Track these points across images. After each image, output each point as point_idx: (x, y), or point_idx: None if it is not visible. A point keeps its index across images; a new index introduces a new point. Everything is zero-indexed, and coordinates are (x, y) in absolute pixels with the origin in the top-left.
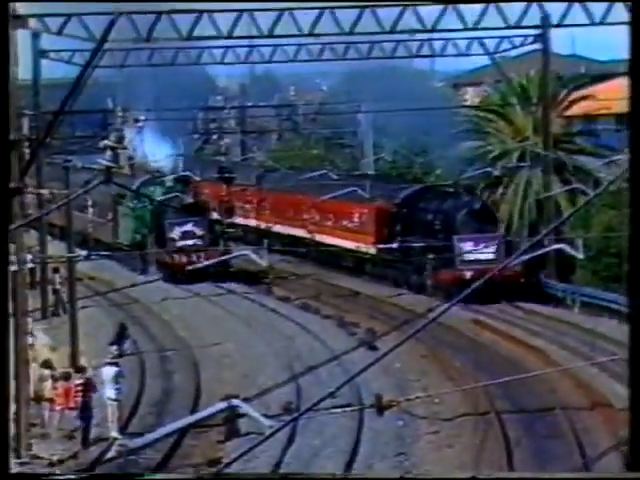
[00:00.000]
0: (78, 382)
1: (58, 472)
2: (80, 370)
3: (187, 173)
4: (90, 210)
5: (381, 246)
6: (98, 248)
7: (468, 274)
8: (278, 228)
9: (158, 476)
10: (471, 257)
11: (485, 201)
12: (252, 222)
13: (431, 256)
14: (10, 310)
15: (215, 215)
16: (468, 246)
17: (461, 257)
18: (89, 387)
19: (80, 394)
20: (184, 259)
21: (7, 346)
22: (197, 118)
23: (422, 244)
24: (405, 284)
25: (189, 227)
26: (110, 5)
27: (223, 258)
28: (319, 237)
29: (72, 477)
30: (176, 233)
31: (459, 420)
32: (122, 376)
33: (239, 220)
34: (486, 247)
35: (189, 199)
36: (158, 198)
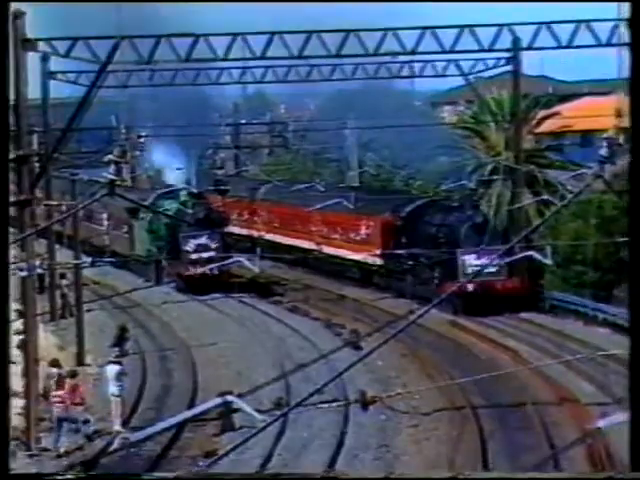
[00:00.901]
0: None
1: (65, 461)
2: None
3: (184, 186)
4: (106, 223)
5: (384, 252)
6: (114, 258)
7: (470, 287)
8: (286, 240)
9: (156, 475)
10: (474, 270)
11: (487, 215)
12: (260, 234)
13: (435, 269)
14: (20, 313)
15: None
16: (471, 259)
17: (464, 270)
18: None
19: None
20: (199, 271)
21: (7, 347)
22: (195, 134)
23: (427, 257)
24: (411, 295)
25: (203, 240)
26: (113, 30)
27: (217, 265)
28: (327, 249)
29: (71, 477)
30: (190, 246)
31: (437, 414)
32: (124, 374)
33: (248, 232)
34: (488, 260)
35: (202, 212)
36: (172, 211)
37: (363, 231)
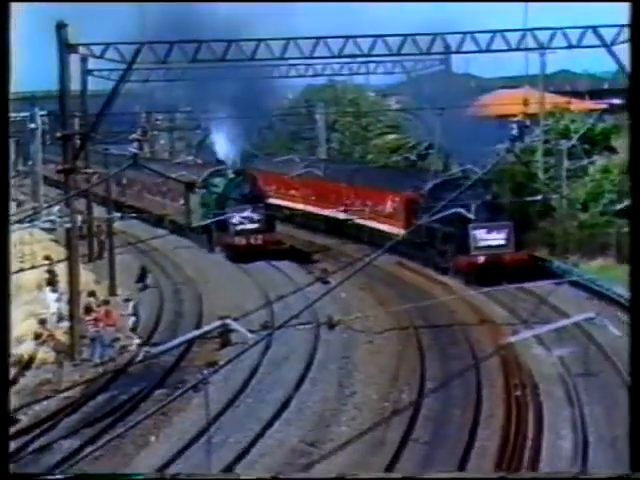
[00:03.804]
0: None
1: (100, 368)
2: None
3: (192, 158)
4: (167, 195)
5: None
6: (173, 227)
7: (481, 259)
8: (321, 211)
9: (152, 476)
10: (484, 243)
11: (496, 193)
12: (299, 206)
13: (450, 242)
14: (66, 255)
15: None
16: (481, 234)
17: (475, 244)
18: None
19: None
20: (243, 241)
21: (7, 346)
22: (200, 118)
23: (442, 231)
24: (432, 265)
25: (248, 213)
26: (137, 35)
27: (219, 218)
28: (358, 220)
29: (69, 477)
30: (236, 218)
31: (387, 333)
32: (138, 309)
33: (288, 204)
34: (497, 234)
35: (247, 188)
36: (220, 187)
37: (389, 205)
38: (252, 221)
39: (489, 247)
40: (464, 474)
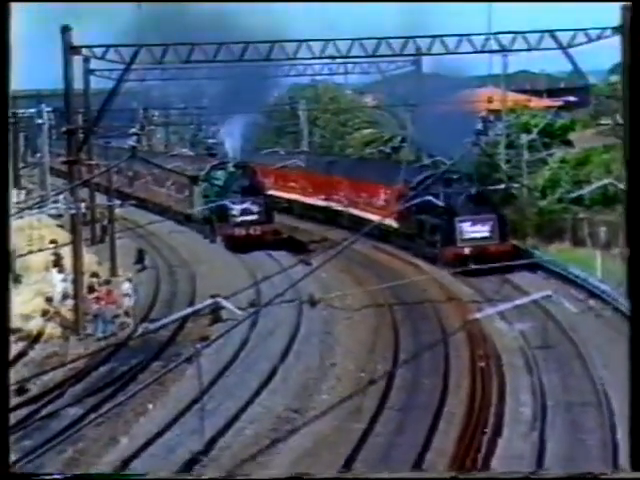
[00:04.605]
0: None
1: (103, 342)
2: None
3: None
4: (172, 187)
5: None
6: (176, 217)
7: (467, 250)
8: (318, 202)
9: (151, 476)
10: (469, 235)
11: (481, 187)
12: (297, 197)
13: (437, 234)
14: (70, 239)
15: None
16: (466, 226)
17: (461, 236)
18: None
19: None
20: (243, 232)
21: (7, 344)
22: (193, 114)
23: (429, 222)
24: (422, 255)
25: (247, 205)
26: (134, 38)
27: (205, 207)
28: (353, 211)
29: (69, 477)
30: (236, 210)
31: (364, 310)
32: (135, 289)
33: (286, 196)
34: (482, 227)
35: (246, 181)
36: (221, 180)
37: (382, 198)
38: (251, 213)
39: (474, 239)
40: (417, 474)
